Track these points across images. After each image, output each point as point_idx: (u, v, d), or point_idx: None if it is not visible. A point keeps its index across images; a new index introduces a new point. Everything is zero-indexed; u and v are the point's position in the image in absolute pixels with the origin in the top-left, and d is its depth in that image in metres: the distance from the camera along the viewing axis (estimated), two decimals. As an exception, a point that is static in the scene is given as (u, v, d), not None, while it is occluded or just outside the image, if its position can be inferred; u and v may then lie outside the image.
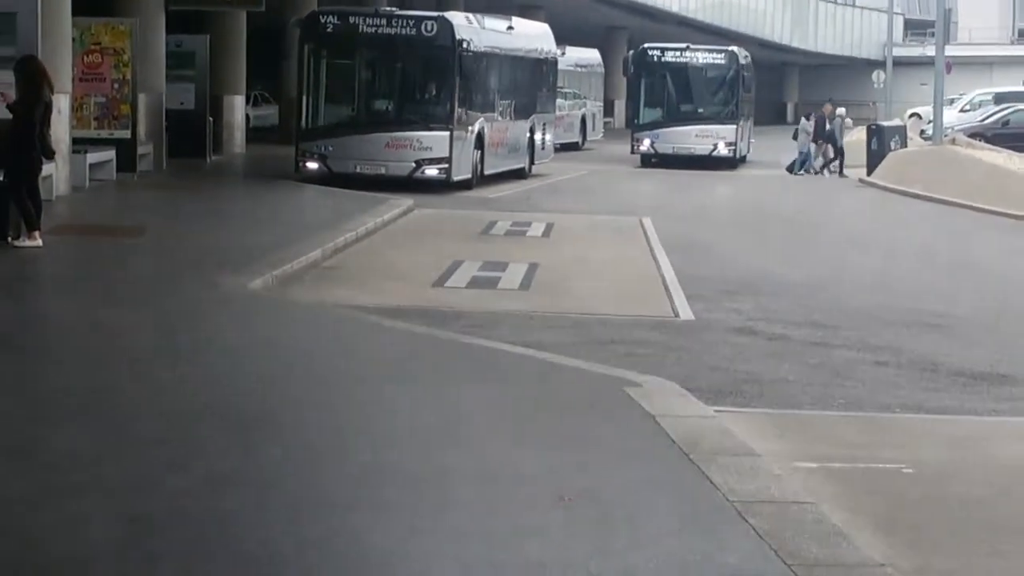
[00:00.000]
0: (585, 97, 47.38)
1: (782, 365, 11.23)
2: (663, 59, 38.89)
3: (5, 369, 9.45)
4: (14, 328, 11.13)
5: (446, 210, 23.34)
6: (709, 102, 38.74)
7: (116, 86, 24.36)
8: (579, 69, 46.39)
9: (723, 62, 39.03)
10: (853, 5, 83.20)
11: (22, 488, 6.62)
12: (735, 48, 40.58)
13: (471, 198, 25.66)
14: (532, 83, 31.93)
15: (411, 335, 11.28)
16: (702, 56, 39.18)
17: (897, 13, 73.16)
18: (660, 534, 6.27)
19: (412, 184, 25.39)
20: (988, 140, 41.21)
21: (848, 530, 6.53)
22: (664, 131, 38.16)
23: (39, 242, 14.86)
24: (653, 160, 37.84)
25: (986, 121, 46.44)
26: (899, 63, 63.46)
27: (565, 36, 39.95)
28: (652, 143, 38.12)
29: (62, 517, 6.18)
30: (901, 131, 37.58)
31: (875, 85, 60.78)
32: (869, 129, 37.30)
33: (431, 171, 25.92)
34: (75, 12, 21.10)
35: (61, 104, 18.81)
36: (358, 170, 25.72)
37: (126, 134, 24.35)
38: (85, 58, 23.91)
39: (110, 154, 23.44)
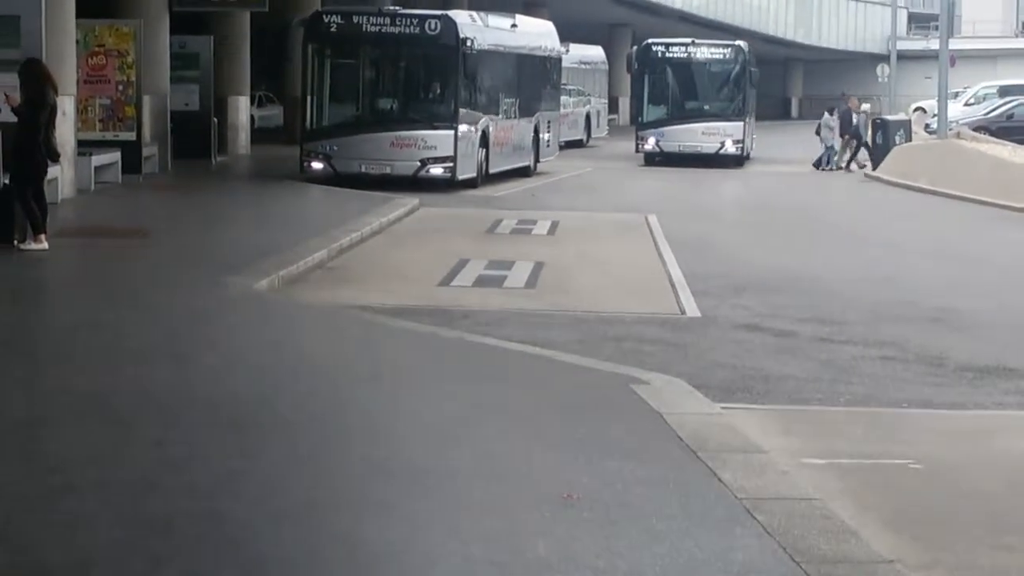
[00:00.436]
0: (589, 94, 47.28)
1: (789, 361, 11.23)
2: (667, 55, 37.61)
3: (14, 372, 9.46)
4: (21, 331, 11.15)
5: (451, 209, 23.34)
6: (715, 98, 37.53)
7: (120, 88, 24.38)
8: (583, 66, 46.32)
9: (729, 57, 37.85)
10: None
11: (22, 488, 6.62)
12: (741, 43, 39.55)
13: (476, 197, 25.65)
14: (536, 81, 31.89)
15: (417, 334, 11.30)
16: (707, 51, 38.03)
17: (901, 7, 73.01)
18: (667, 532, 6.26)
19: (417, 183, 25.39)
20: (993, 133, 41.23)
21: (856, 526, 6.53)
22: (669, 129, 36.84)
23: (45, 245, 14.87)
24: (657, 159, 36.82)
25: (991, 114, 46.44)
26: (903, 57, 63.39)
27: (569, 33, 39.82)
28: (657, 141, 36.81)
29: (62, 518, 6.18)
30: (906, 125, 37.36)
31: (879, 79, 60.68)
32: (874, 123, 37.19)
33: (436, 170, 25.90)
34: (79, 14, 21.10)
35: (66, 106, 18.81)
36: (363, 170, 25.71)
37: (131, 136, 24.37)
38: (89, 60, 23.90)
39: (115, 156, 23.42)
